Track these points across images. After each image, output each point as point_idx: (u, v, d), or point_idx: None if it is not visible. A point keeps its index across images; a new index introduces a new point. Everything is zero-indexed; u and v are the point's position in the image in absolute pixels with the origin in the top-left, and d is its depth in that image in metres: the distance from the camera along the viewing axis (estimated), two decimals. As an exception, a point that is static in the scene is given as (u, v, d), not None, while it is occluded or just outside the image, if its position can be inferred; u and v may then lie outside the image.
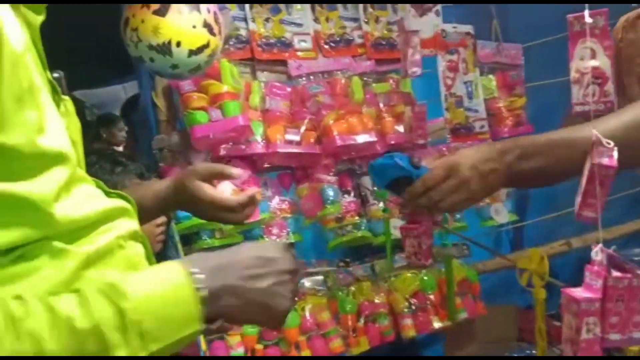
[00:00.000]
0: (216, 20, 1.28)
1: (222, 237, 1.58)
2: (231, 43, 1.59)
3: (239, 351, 1.60)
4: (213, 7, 1.30)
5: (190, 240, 1.57)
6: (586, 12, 0.67)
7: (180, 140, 1.57)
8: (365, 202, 1.79)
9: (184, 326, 0.50)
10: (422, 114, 1.33)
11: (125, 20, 1.24)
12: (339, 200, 1.68)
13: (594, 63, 0.69)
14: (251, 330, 1.60)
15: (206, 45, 1.25)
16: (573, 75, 0.74)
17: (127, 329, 0.46)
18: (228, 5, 1.60)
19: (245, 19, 1.62)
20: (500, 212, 1.93)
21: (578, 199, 0.71)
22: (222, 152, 1.55)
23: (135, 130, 1.63)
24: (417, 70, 1.31)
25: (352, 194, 1.75)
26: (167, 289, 0.50)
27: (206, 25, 1.24)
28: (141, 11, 1.21)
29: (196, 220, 1.51)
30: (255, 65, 1.65)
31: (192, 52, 1.23)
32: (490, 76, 1.96)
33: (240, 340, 1.60)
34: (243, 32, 1.62)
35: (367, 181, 1.81)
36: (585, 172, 0.71)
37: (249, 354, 1.63)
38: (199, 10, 1.24)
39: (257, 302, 0.56)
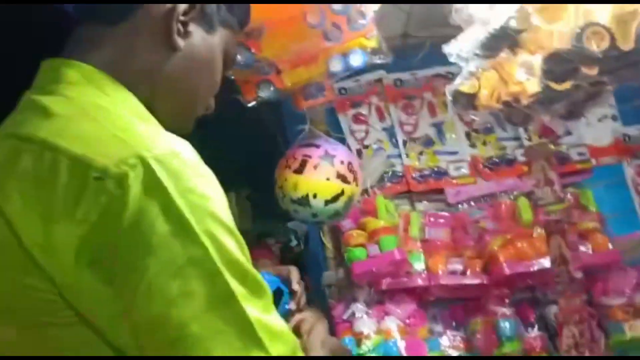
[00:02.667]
0: (350, 169, 1.42)
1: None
2: (387, 179, 1.66)
3: None
4: (348, 157, 1.44)
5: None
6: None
7: (345, 276, 1.63)
8: (554, 335, 1.55)
9: None
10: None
11: (275, 180, 1.43)
12: (517, 336, 1.50)
13: None
14: None
15: (341, 194, 1.39)
16: None
17: None
18: (383, 146, 1.71)
19: (399, 155, 1.69)
20: None
21: None
22: (384, 287, 1.55)
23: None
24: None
25: (537, 327, 1.54)
26: None
27: (339, 176, 1.40)
28: (284, 171, 1.43)
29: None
30: (413, 197, 1.67)
31: (327, 202, 1.38)
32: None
33: None
34: (398, 168, 1.68)
35: (554, 310, 1.58)
36: None
37: None
38: (332, 164, 1.40)
39: None
